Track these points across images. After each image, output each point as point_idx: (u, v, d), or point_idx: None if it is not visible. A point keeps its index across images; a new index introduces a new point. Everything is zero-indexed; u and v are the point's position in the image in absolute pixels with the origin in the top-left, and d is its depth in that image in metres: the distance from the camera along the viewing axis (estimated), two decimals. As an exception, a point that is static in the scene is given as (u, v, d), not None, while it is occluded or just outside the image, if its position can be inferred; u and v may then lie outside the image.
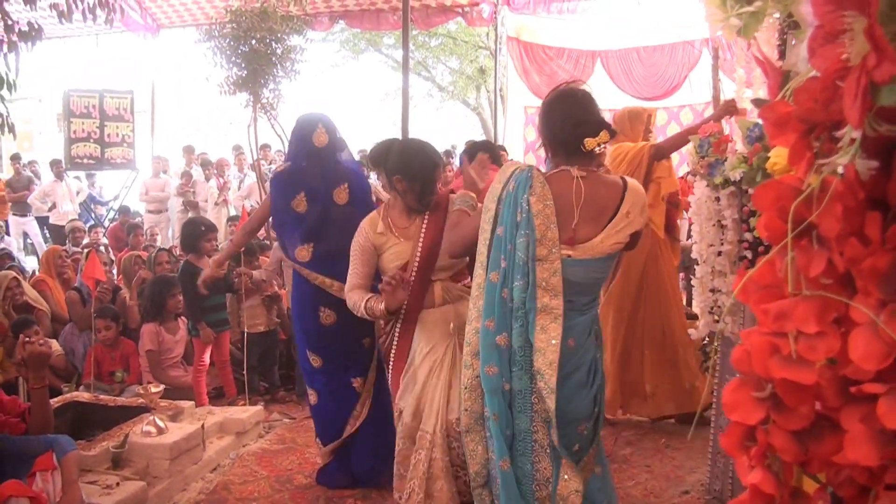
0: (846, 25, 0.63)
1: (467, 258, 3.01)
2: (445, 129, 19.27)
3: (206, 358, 5.40)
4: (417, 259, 3.15)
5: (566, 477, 2.43)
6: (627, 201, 2.42)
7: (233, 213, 10.42)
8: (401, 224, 3.25)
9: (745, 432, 0.70)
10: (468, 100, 18.09)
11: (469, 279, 3.05)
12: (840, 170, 0.66)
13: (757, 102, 1.41)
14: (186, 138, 14.71)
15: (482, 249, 2.50)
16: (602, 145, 2.40)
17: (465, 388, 2.53)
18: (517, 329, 2.40)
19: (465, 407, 2.54)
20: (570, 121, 2.45)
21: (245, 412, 4.77)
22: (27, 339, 3.52)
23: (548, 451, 2.44)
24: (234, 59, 7.10)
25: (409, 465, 3.08)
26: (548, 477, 2.45)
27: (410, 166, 3.16)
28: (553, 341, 2.37)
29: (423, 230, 3.19)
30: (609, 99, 10.17)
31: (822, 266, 0.66)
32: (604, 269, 2.49)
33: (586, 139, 2.38)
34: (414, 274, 3.12)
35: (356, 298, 3.16)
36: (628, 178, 2.52)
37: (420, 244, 3.17)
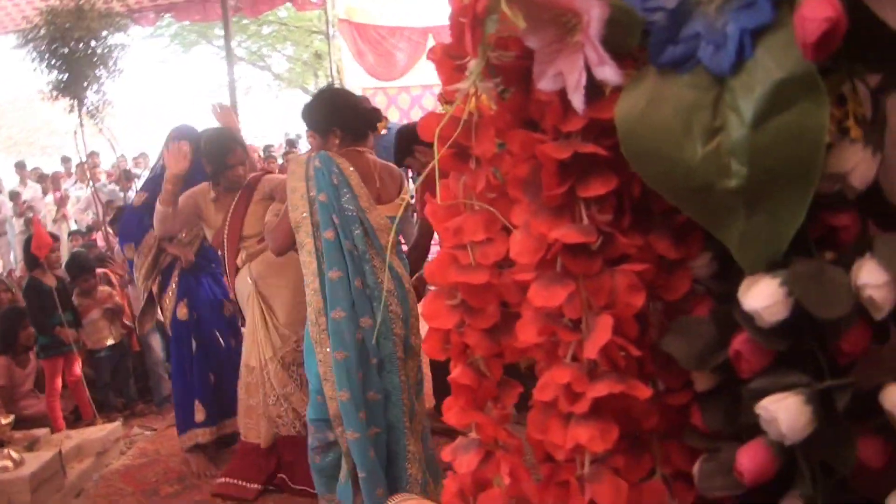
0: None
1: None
2: (285, 118, 18.96)
3: (59, 382, 5.20)
4: (226, 230, 3.63)
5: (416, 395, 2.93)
6: (404, 188, 2.94)
7: (73, 227, 9.95)
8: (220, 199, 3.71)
9: (442, 336, 0.80)
10: (307, 86, 17.86)
11: None
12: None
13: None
14: (19, 155, 13.89)
15: (306, 240, 2.78)
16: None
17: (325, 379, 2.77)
18: (368, 270, 2.77)
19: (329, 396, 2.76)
20: (360, 110, 2.95)
21: (103, 431, 4.63)
22: None
23: (405, 363, 2.88)
24: (53, 62, 6.77)
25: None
26: (413, 382, 2.90)
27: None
28: (403, 267, 2.94)
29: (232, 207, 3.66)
30: (445, 71, 10.40)
31: (483, 183, 0.76)
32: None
33: (379, 123, 2.95)
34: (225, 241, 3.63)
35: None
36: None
37: (228, 218, 3.64)
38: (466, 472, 0.81)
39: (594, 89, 0.69)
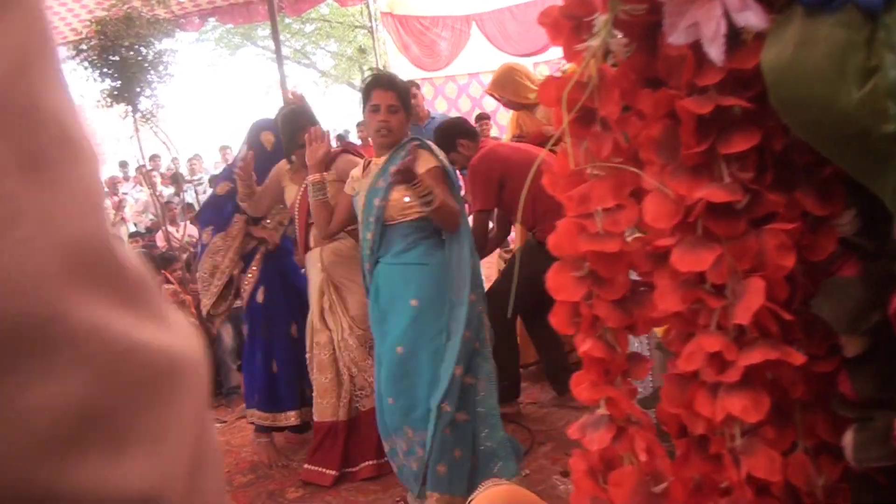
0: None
1: None
2: (332, 114, 19.08)
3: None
4: (297, 204, 3.64)
5: None
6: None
7: (132, 229, 10.13)
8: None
9: (570, 309, 0.77)
10: (353, 81, 17.92)
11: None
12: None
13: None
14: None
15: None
16: None
17: None
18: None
19: None
20: None
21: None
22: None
23: None
24: (104, 70, 6.89)
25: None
26: None
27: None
28: None
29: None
30: (489, 61, 10.30)
31: (610, 147, 0.72)
32: None
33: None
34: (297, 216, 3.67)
35: None
36: None
37: (299, 192, 3.64)
38: (598, 449, 0.78)
39: (732, 38, 0.65)
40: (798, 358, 0.66)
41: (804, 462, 0.76)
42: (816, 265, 0.73)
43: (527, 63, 10.67)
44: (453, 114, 7.09)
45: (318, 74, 18.98)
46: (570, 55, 0.74)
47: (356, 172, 3.10)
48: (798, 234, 0.68)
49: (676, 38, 0.68)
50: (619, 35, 0.71)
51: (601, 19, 0.68)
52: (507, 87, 4.53)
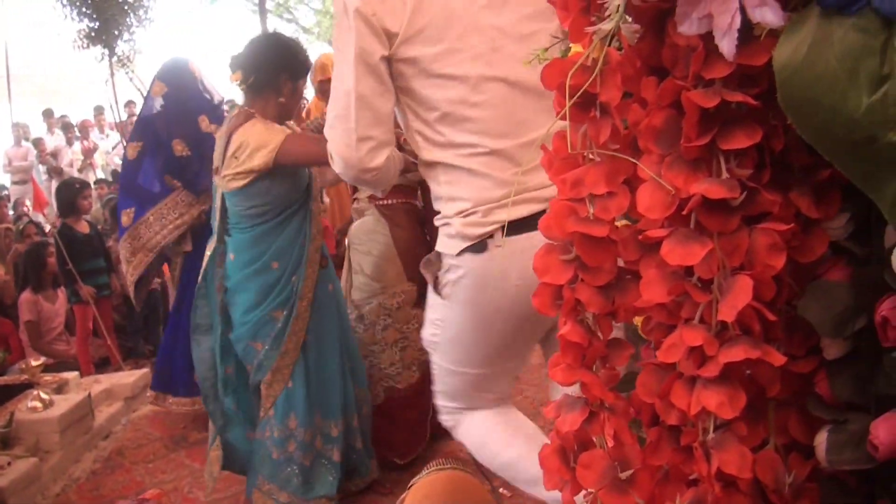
0: None
1: None
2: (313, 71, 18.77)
3: (89, 326, 5.24)
4: None
5: None
6: (232, 144, 2.63)
7: (100, 175, 9.95)
8: None
9: (554, 292, 0.77)
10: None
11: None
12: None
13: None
14: (47, 102, 13.87)
15: None
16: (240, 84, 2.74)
17: None
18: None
19: None
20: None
21: (132, 376, 4.69)
22: None
23: None
24: (84, 10, 6.73)
25: None
26: None
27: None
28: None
29: None
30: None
31: (608, 133, 0.72)
32: (239, 202, 2.72)
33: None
34: None
35: None
36: (247, 122, 2.66)
37: None
38: (569, 430, 0.78)
39: (744, 33, 0.64)
40: (778, 358, 0.67)
41: (774, 459, 0.77)
42: (804, 266, 0.73)
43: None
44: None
45: (301, 30, 18.71)
46: (576, 36, 0.73)
47: None
48: (790, 235, 0.68)
49: (688, 27, 0.67)
50: (629, 19, 0.70)
51: (615, 2, 0.67)
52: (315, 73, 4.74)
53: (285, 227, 2.77)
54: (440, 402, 2.13)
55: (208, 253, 2.87)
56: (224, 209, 2.77)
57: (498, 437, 2.03)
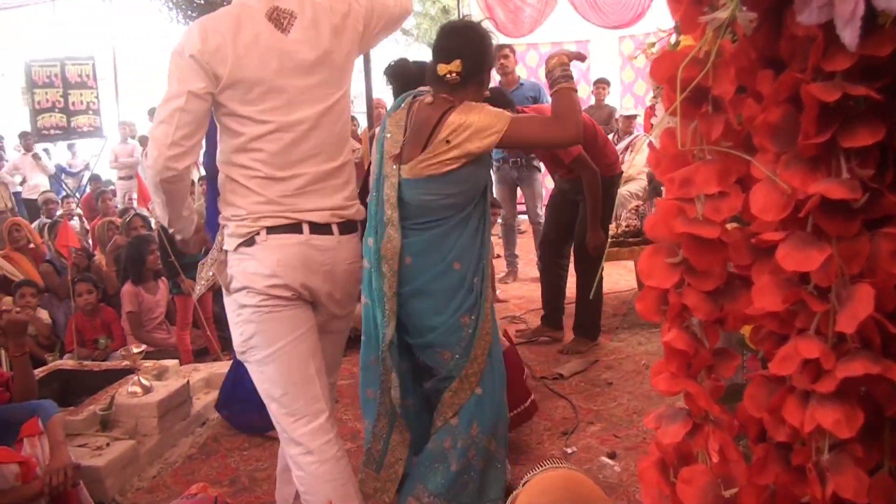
0: None
1: None
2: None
3: (190, 316, 5.41)
4: None
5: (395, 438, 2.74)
6: (446, 128, 2.51)
7: (203, 172, 10.26)
8: None
9: (659, 296, 0.73)
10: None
11: None
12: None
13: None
14: (152, 101, 14.44)
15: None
16: (453, 73, 2.53)
17: None
18: (374, 238, 2.67)
19: None
20: (434, 49, 2.65)
21: (228, 367, 4.80)
22: (3, 308, 3.53)
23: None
24: (189, 12, 6.97)
25: None
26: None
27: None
28: (396, 251, 2.62)
29: None
30: (573, 30, 10.08)
31: (721, 129, 0.68)
32: (434, 190, 2.58)
33: (439, 65, 2.56)
34: None
35: None
36: (460, 105, 2.54)
37: None
38: (671, 442, 0.74)
39: (867, 22, 0.60)
40: (902, 374, 0.62)
41: (889, 484, 0.71)
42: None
43: (611, 37, 10.40)
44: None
45: (400, 33, 18.87)
46: (688, 27, 0.69)
47: None
48: (917, 241, 0.63)
49: (808, 16, 0.63)
50: (744, 9, 0.66)
51: (731, -10, 0.63)
52: None
53: (467, 223, 2.65)
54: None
55: (368, 253, 2.71)
56: (400, 203, 2.62)
57: None
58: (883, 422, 0.72)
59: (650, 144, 0.74)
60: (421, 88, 2.76)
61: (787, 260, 0.62)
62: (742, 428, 0.77)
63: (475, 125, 2.47)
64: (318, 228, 2.37)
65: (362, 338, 2.80)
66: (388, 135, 2.64)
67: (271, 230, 2.32)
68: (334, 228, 2.40)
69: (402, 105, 2.68)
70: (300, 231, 2.34)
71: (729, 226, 0.75)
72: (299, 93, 2.31)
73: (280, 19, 2.30)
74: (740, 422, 0.76)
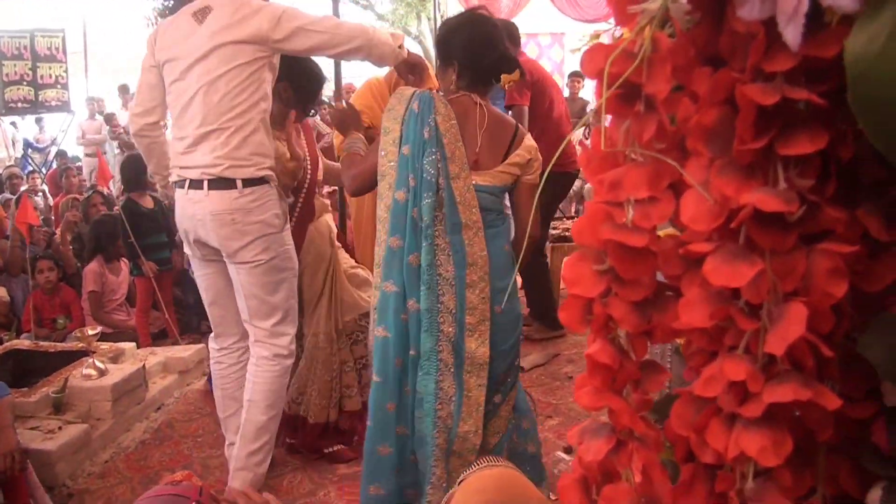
0: None
1: None
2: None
3: (149, 298, 5.32)
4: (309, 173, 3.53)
5: (465, 416, 2.51)
6: (522, 147, 2.54)
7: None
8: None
9: (584, 305, 0.68)
10: (409, 28, 17.61)
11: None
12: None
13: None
14: (122, 77, 14.18)
15: (389, 172, 2.49)
16: (511, 83, 2.52)
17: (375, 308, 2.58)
18: (426, 247, 2.41)
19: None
20: (493, 51, 2.51)
21: (187, 351, 4.74)
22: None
23: (452, 370, 2.47)
24: (159, -12, 6.84)
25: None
26: (451, 395, 2.48)
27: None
28: (482, 253, 2.46)
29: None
30: (549, 22, 10.05)
31: (653, 130, 0.63)
32: (496, 199, 2.57)
33: (504, 74, 2.47)
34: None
35: None
36: (522, 127, 2.65)
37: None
38: (593, 459, 0.70)
39: (813, 19, 0.55)
40: (833, 401, 0.57)
41: (821, 511, 0.67)
42: (869, 296, 0.64)
43: (587, 30, 10.39)
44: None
45: (375, 17, 18.67)
46: (622, 19, 0.64)
47: None
48: (854, 258, 0.59)
49: (749, 11, 0.58)
50: (683, 0, 0.61)
51: (663, -20, 0.58)
52: None
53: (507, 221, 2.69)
54: None
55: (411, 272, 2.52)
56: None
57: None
58: (816, 446, 0.69)
59: (581, 143, 0.69)
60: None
61: (714, 274, 0.58)
62: (670, 444, 0.73)
63: (540, 161, 2.56)
64: (193, 184, 2.97)
65: (375, 380, 2.57)
66: (445, 135, 2.42)
67: (176, 184, 3.06)
68: (204, 184, 2.92)
69: (440, 103, 2.47)
70: (183, 187, 3.01)
71: (664, 232, 0.71)
72: (189, 68, 2.95)
73: (199, 14, 2.96)
74: (668, 438, 0.72)
